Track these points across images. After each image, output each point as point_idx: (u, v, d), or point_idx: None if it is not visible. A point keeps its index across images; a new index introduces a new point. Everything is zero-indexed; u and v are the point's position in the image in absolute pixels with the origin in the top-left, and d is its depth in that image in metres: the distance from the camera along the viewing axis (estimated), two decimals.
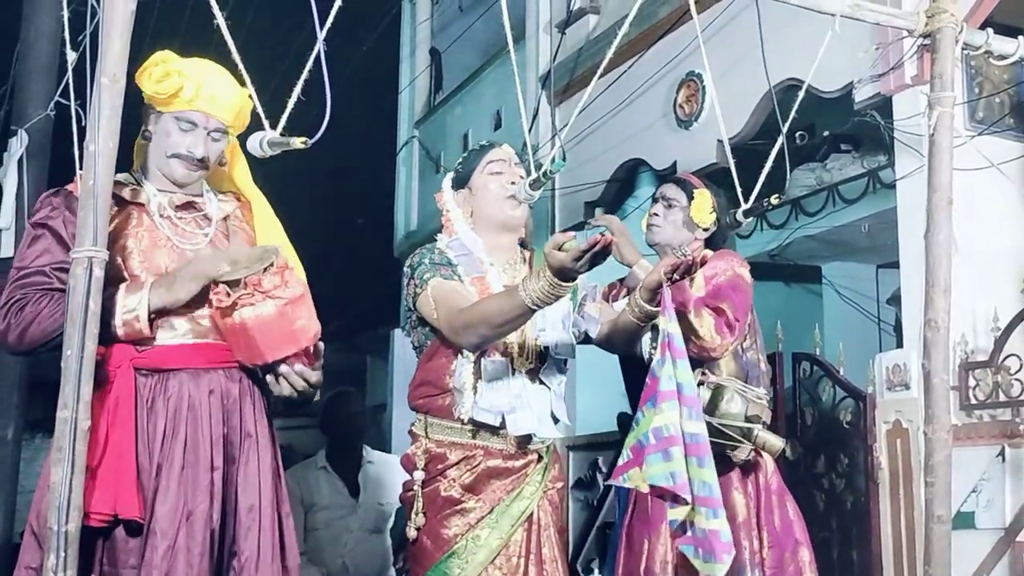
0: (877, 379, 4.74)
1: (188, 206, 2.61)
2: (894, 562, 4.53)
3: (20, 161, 5.85)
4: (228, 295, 2.37)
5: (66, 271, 2.17)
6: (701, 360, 3.11)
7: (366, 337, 11.90)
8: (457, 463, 2.81)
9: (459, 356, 2.84)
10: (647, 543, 3.15)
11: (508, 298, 2.59)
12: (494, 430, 2.83)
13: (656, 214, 3.39)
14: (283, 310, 2.39)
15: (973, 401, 4.37)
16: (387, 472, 4.70)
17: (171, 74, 2.50)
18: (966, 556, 4.03)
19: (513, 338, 2.84)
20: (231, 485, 2.49)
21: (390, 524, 4.78)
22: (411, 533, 2.81)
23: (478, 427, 2.83)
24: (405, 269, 2.95)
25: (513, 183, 2.92)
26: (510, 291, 2.61)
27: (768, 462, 3.19)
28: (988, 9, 4.51)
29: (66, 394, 2.00)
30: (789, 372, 5.23)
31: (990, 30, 3.28)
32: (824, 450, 5.00)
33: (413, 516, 2.80)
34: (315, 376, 2.52)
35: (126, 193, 2.55)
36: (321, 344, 2.53)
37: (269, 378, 2.51)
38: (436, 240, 2.99)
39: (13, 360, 5.83)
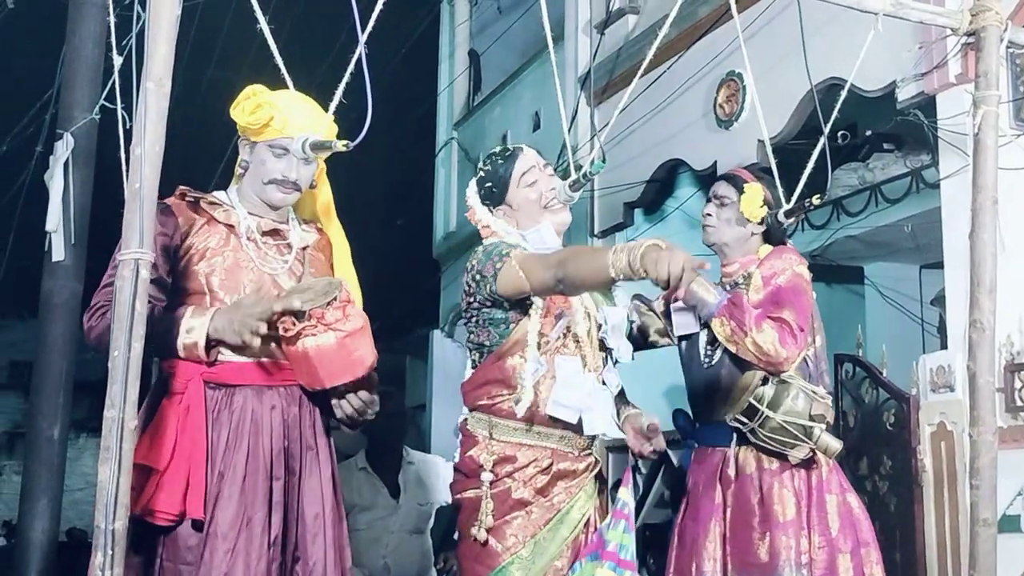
0: (921, 381, 4.69)
1: (274, 232, 2.77)
2: (938, 566, 4.48)
3: (66, 165, 5.92)
4: (294, 324, 2.54)
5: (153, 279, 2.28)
6: (769, 373, 3.08)
7: (406, 338, 11.95)
8: (526, 465, 2.78)
9: (534, 353, 2.79)
10: (697, 541, 3.15)
11: (596, 257, 2.54)
12: (558, 432, 2.81)
13: (709, 214, 3.34)
14: (343, 342, 2.56)
15: (1019, 403, 4.31)
16: (427, 472, 4.72)
17: (262, 105, 2.65)
18: (1011, 560, 3.98)
19: (584, 336, 2.85)
20: (293, 495, 2.65)
21: (431, 524, 4.79)
22: (480, 535, 2.75)
23: (544, 428, 2.80)
24: (472, 263, 2.83)
25: (553, 188, 2.89)
26: (597, 250, 2.69)
27: (824, 460, 3.14)
28: None
29: (113, 394, 2.03)
30: (832, 374, 5.18)
31: None
32: (867, 452, 4.96)
33: (482, 518, 2.75)
34: (373, 401, 2.71)
35: (219, 214, 2.71)
36: (375, 374, 2.69)
37: (333, 401, 2.68)
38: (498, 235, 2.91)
39: (59, 361, 5.94)
